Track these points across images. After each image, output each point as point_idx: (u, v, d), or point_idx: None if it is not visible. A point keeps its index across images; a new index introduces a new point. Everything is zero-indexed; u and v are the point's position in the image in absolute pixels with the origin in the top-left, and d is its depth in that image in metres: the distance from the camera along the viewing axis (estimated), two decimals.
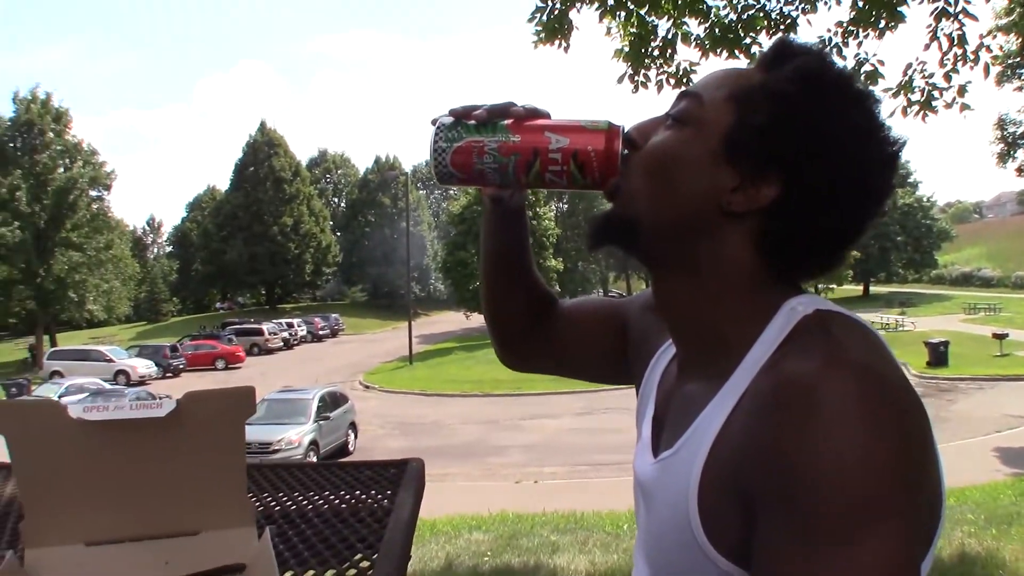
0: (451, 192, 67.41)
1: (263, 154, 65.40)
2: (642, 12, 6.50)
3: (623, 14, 6.53)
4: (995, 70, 8.18)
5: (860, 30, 6.36)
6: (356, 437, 20.39)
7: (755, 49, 6.39)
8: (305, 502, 1.54)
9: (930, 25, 6.21)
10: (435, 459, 16.76)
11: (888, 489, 0.72)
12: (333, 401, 20.00)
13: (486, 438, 20.57)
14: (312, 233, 66.93)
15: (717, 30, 6.45)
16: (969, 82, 6.36)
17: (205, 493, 1.08)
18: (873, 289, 64.72)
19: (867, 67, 6.34)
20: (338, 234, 73.53)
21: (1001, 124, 30.31)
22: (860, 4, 6.28)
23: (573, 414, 22.31)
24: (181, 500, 1.08)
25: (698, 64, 6.62)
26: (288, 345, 48.89)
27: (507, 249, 1.29)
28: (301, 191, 66.74)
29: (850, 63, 6.38)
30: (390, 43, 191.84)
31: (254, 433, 16.63)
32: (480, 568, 6.79)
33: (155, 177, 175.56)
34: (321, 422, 18.57)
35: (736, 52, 6.40)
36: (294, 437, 17.42)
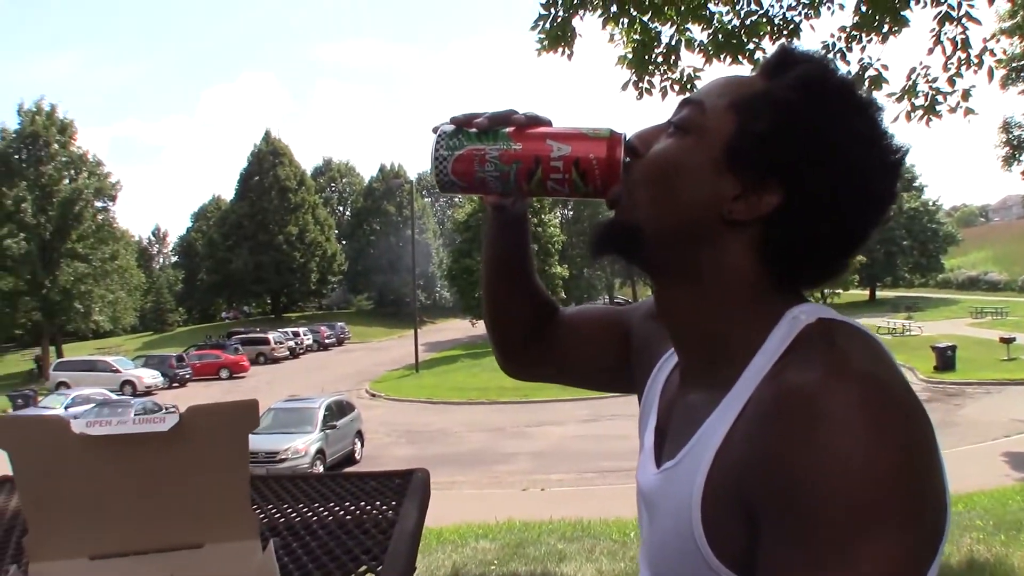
0: (456, 200, 67.62)
1: (268, 163, 65.52)
2: (645, 19, 6.51)
3: (626, 21, 6.54)
4: (999, 73, 8.18)
5: (863, 35, 6.35)
6: (363, 446, 20.38)
7: (759, 55, 6.39)
8: (310, 513, 1.54)
9: (933, 29, 6.20)
10: (442, 467, 16.79)
11: (892, 497, 0.72)
12: (339, 410, 20.00)
13: (493, 446, 20.56)
14: (317, 242, 67.02)
15: (720, 36, 6.46)
16: (973, 86, 6.36)
17: (209, 506, 1.08)
18: (879, 294, 64.61)
19: (871, 72, 6.33)
20: (343, 243, 73.60)
21: (1006, 127, 30.35)
22: (863, 9, 6.28)
23: (579, 421, 22.28)
24: (185, 513, 1.08)
25: (702, 70, 6.62)
26: (294, 354, 48.90)
27: (509, 256, 1.29)
28: (306, 200, 66.84)
29: (854, 68, 6.37)
30: (393, 51, 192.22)
31: (261, 442, 16.68)
32: None
33: (160, 187, 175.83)
34: (328, 431, 18.56)
35: (740, 58, 6.40)
36: (301, 446, 17.43)
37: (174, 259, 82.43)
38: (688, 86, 6.59)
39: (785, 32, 6.43)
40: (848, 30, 6.39)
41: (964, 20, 6.09)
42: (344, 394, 24.85)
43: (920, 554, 0.74)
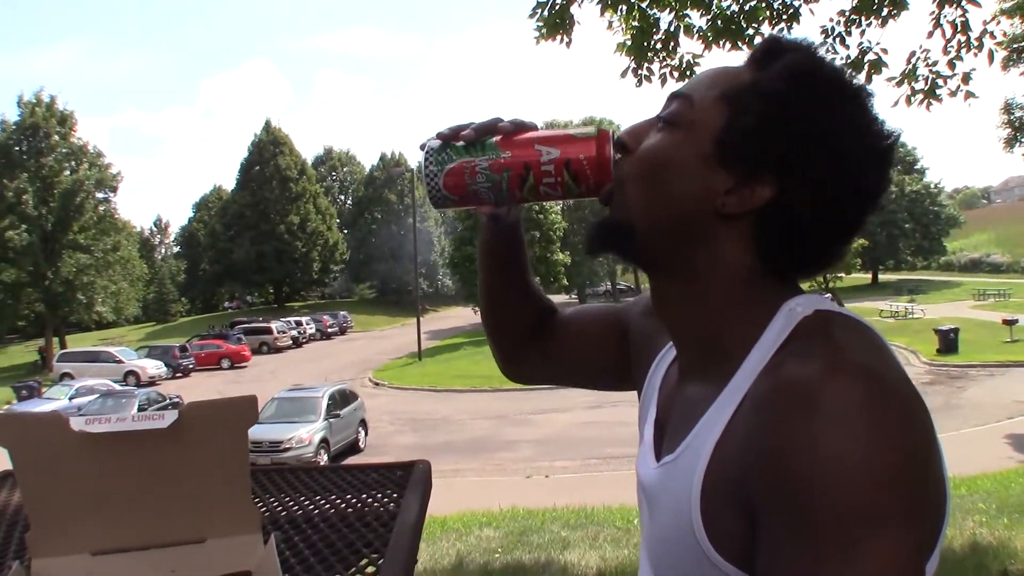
0: None
1: (269, 153, 65.38)
2: (643, 5, 6.48)
3: (624, 8, 6.50)
4: (1000, 55, 8.14)
5: (863, 19, 6.32)
6: (366, 434, 20.45)
7: (758, 40, 6.35)
8: (311, 506, 1.55)
9: (933, 12, 6.18)
10: (445, 455, 16.84)
11: (892, 493, 0.72)
12: (343, 399, 20.07)
13: (496, 433, 20.60)
14: (319, 231, 66.93)
15: (719, 22, 6.42)
16: (973, 69, 6.32)
17: (210, 501, 1.09)
18: (882, 277, 64.52)
19: (870, 56, 6.31)
20: (345, 232, 73.47)
21: (1008, 109, 30.19)
22: None
23: (583, 408, 22.29)
24: (186, 509, 1.08)
25: (701, 56, 6.59)
26: (297, 343, 48.87)
27: (506, 264, 1.30)
28: (307, 189, 66.73)
29: (853, 52, 6.36)
30: (394, 41, 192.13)
31: (265, 432, 16.75)
32: (491, 565, 6.79)
33: (161, 178, 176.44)
34: (331, 420, 18.63)
35: (739, 43, 6.36)
36: (305, 435, 17.49)
37: (176, 249, 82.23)
38: (687, 72, 6.55)
39: (784, 17, 6.40)
40: (847, 14, 6.36)
41: (964, 2, 6.08)
42: (347, 383, 24.91)
43: (920, 548, 0.75)
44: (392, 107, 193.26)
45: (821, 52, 0.93)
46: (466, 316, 56.11)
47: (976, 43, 6.22)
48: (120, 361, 36.87)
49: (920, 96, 6.40)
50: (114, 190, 51.24)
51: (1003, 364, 25.46)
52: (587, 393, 23.43)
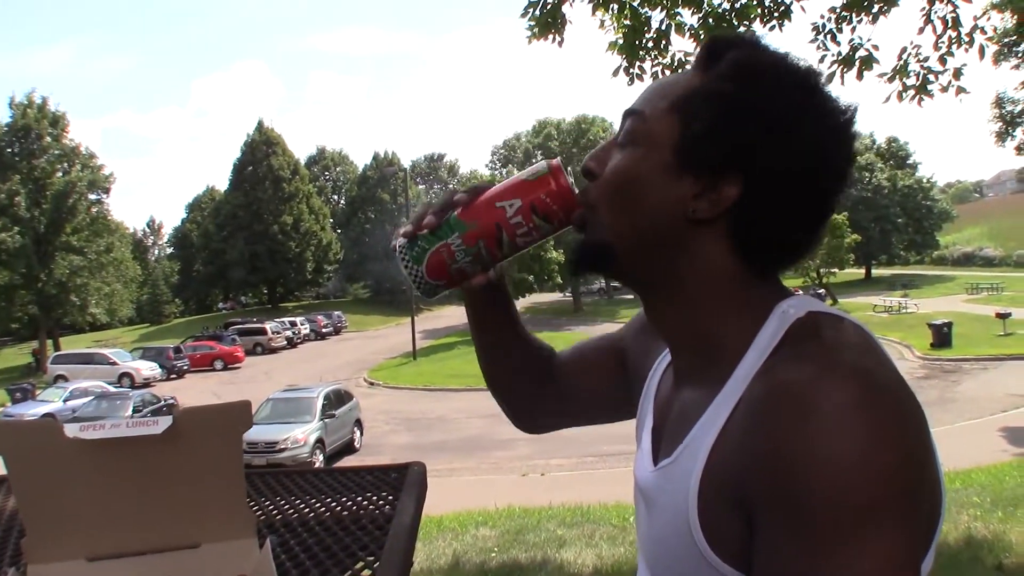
0: (450, 185, 67.36)
1: (261, 153, 65.27)
2: (635, 4, 6.49)
3: (616, 7, 6.52)
4: (991, 49, 8.16)
5: (853, 15, 6.34)
6: (362, 434, 20.44)
7: None
8: (306, 509, 1.55)
9: (923, 8, 6.21)
10: (441, 454, 16.83)
11: (886, 490, 0.73)
12: (338, 399, 20.04)
13: (491, 432, 20.56)
14: (312, 231, 66.84)
15: (711, 19, 6.45)
16: (964, 65, 6.37)
17: (204, 506, 1.09)
18: (875, 272, 64.62)
19: (861, 52, 6.33)
20: (338, 231, 73.38)
21: (999, 103, 30.31)
22: None
23: None
24: (181, 514, 1.08)
25: (692, 54, 6.58)
26: (292, 343, 48.79)
27: (504, 323, 1.31)
28: (300, 189, 66.62)
29: (844, 49, 6.37)
30: (386, 40, 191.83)
31: (260, 433, 16.72)
32: (487, 564, 6.79)
33: (154, 179, 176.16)
34: (326, 420, 18.61)
35: None
36: (300, 436, 17.47)
37: (169, 251, 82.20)
38: (679, 70, 6.57)
39: (775, 14, 6.42)
40: (838, 11, 6.38)
41: None
42: (342, 383, 24.86)
43: (915, 546, 0.76)
44: (385, 107, 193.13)
45: (764, 42, 0.95)
46: (460, 315, 53.94)
47: (967, 38, 6.24)
48: (114, 363, 36.76)
49: (912, 92, 6.43)
50: (107, 191, 51.26)
51: (996, 358, 25.55)
52: None
